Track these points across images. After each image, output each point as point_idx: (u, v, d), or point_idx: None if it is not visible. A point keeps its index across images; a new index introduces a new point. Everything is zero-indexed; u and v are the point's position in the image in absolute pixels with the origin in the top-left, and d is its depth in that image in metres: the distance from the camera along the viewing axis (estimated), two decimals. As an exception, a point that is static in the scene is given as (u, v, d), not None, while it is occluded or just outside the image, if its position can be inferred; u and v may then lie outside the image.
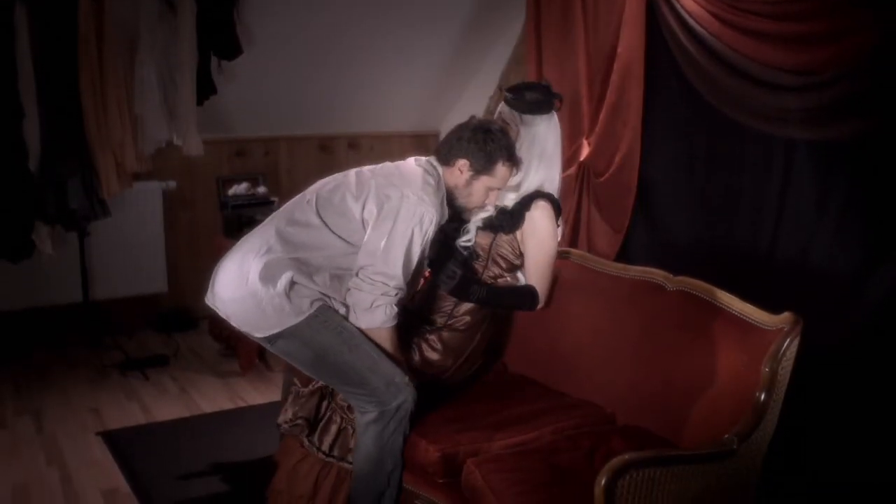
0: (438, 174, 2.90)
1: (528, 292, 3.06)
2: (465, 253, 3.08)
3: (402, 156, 3.01)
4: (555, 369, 3.15)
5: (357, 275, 2.75)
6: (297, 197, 2.94)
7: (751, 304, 2.61)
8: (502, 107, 3.14)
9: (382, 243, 2.71)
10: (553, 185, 3.10)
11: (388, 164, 2.96)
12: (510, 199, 3.06)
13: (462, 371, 3.08)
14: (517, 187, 3.06)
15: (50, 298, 5.14)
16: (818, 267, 3.41)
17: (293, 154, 5.97)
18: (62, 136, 4.48)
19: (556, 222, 3.09)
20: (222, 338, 4.89)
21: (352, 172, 2.93)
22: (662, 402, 2.74)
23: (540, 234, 3.04)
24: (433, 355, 3.01)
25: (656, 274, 2.97)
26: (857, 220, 3.29)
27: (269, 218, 2.94)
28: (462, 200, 2.94)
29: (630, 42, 4.14)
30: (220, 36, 4.82)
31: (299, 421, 2.92)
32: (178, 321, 5.53)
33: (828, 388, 3.22)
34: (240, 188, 5.16)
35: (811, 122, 3.34)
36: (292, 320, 2.72)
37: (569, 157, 4.55)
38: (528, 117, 3.06)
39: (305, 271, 2.74)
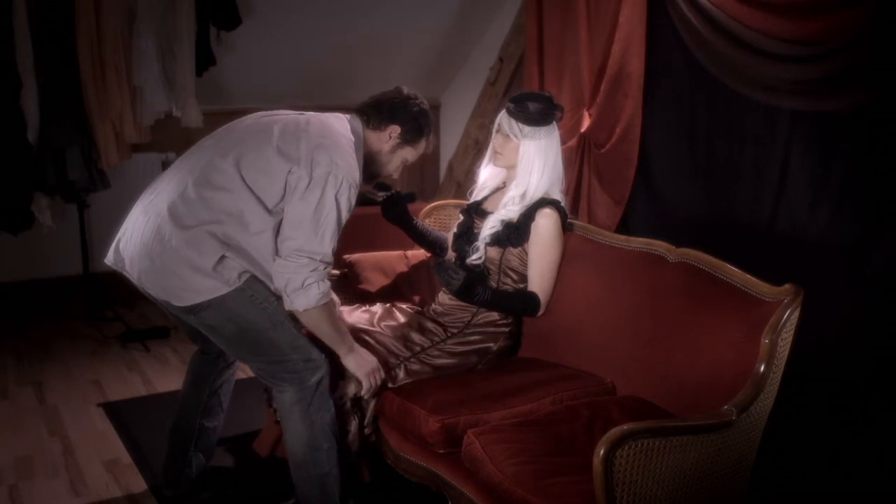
0: (361, 137, 2.83)
1: (531, 298, 3.06)
2: (477, 269, 3.05)
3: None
4: (555, 340, 3.15)
5: (280, 255, 2.60)
6: (208, 146, 2.79)
7: (752, 275, 2.60)
8: (502, 117, 3.04)
9: (309, 214, 2.58)
10: (557, 190, 3.06)
11: (313, 118, 2.78)
12: (515, 212, 3.02)
13: (489, 364, 3.10)
14: (521, 198, 3.02)
15: (50, 270, 5.15)
16: (819, 239, 3.40)
17: (293, 125, 5.92)
18: (61, 107, 4.46)
19: (563, 227, 3.06)
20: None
21: (277, 124, 2.73)
22: (662, 372, 2.74)
23: (543, 241, 3.02)
24: (448, 360, 3.01)
25: (658, 245, 2.96)
26: (858, 193, 3.27)
27: (177, 168, 2.85)
28: (378, 167, 2.90)
29: (631, 12, 4.10)
30: (218, 6, 4.77)
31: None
32: (178, 293, 5.51)
33: (827, 361, 3.22)
34: (239, 160, 5.13)
35: (813, 92, 3.31)
36: (221, 290, 2.59)
37: (569, 128, 4.53)
38: (528, 129, 2.98)
39: (235, 250, 2.60)
